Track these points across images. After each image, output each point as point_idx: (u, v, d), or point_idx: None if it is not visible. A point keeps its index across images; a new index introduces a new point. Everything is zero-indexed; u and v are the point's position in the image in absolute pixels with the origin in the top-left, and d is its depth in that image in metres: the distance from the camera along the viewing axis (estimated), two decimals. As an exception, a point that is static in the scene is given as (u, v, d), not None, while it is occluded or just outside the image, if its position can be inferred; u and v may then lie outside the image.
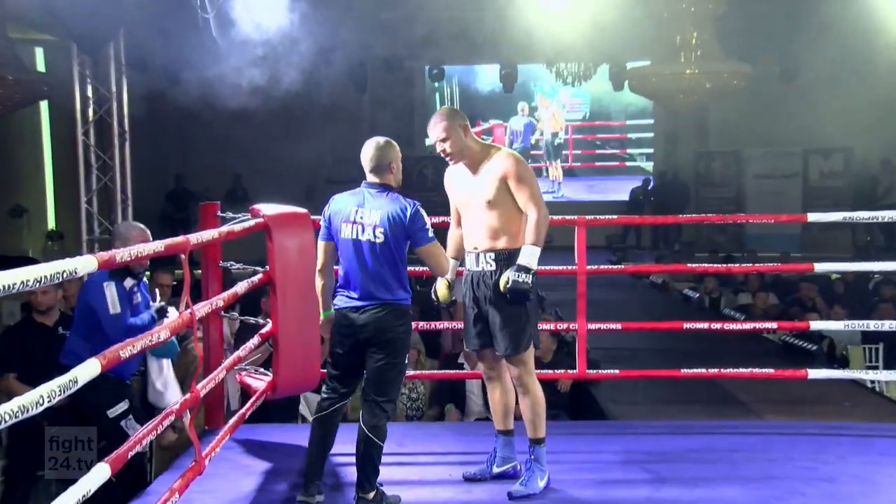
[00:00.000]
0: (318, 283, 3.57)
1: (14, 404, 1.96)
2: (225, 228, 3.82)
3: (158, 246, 3.06)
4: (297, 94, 8.43)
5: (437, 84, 17.20)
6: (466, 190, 3.75)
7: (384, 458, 3.45)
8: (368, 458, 3.40)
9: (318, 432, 3.50)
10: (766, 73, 13.28)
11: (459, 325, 5.53)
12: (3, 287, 1.91)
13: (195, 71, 9.35)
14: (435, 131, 3.67)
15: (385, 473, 3.49)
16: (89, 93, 6.91)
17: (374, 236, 3.41)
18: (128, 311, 3.96)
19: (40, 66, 12.09)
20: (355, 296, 3.42)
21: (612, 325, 4.84)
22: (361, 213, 3.44)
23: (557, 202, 17.06)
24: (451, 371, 5.73)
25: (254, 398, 4.42)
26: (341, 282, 3.49)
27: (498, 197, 3.62)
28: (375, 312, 3.40)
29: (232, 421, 4.12)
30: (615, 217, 5.14)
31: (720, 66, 11.29)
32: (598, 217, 4.80)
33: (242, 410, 4.28)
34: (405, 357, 3.50)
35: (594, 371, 4.97)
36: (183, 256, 3.27)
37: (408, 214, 3.42)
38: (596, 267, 4.95)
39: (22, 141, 13.42)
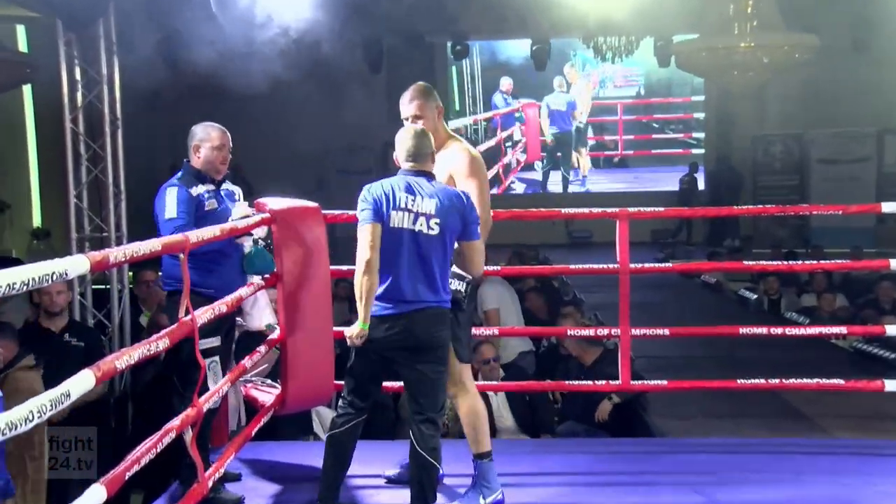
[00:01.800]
0: (365, 281, 3.33)
1: (2, 420, 1.99)
2: (227, 225, 3.84)
3: (155, 244, 3.09)
4: (304, 75, 8.48)
5: (460, 62, 17.17)
6: None
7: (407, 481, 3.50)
8: (429, 484, 3.39)
9: (333, 452, 3.51)
10: (835, 45, 13.03)
11: (489, 330, 5.54)
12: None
13: (192, 51, 9.42)
14: (409, 108, 3.77)
15: (403, 496, 3.51)
16: (77, 75, 6.97)
17: (429, 227, 3.38)
18: (186, 216, 3.86)
19: (22, 46, 12.25)
20: (400, 297, 3.36)
21: (660, 331, 4.83)
22: (413, 200, 3.39)
23: (596, 194, 17.01)
24: (479, 383, 5.74)
25: (261, 413, 4.46)
26: (382, 282, 3.39)
27: None
28: (425, 317, 3.38)
29: (237, 438, 4.16)
30: (662, 209, 5.10)
31: (780, 38, 11.14)
32: (642, 210, 4.77)
33: (249, 426, 4.32)
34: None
35: (639, 382, 4.96)
36: (182, 256, 3.30)
37: (465, 204, 3.45)
38: (640, 265, 4.93)
39: (3, 130, 13.61)
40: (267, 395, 4.70)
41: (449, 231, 3.41)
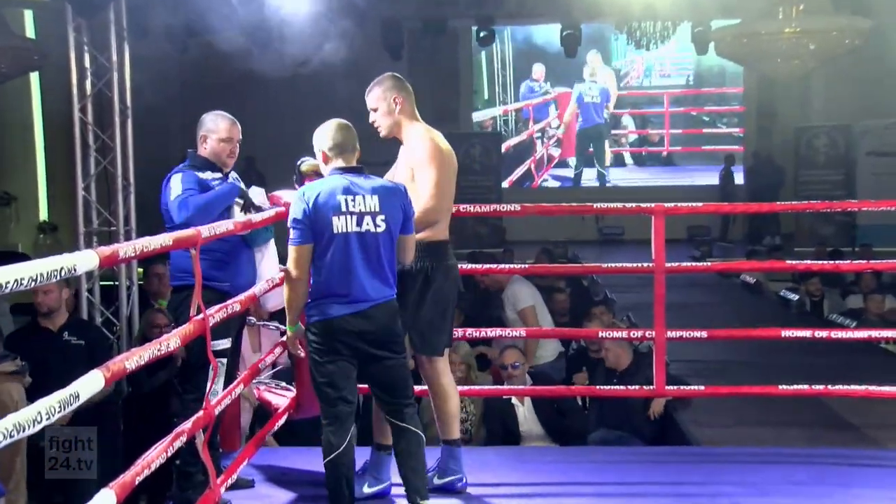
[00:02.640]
0: (293, 293, 3.52)
1: (9, 422, 2.01)
2: (241, 219, 3.85)
3: (166, 239, 3.11)
4: (319, 61, 8.48)
5: (483, 53, 17.08)
6: (392, 174, 3.96)
7: (431, 491, 3.50)
8: (423, 463, 3.57)
9: (337, 474, 3.48)
10: (886, 28, 12.79)
11: (516, 331, 5.53)
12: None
13: (205, 37, 9.47)
14: (368, 98, 3.89)
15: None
16: (86, 62, 7.03)
17: (375, 225, 3.48)
18: (194, 190, 3.89)
19: (30, 33, 12.36)
20: (354, 298, 3.46)
21: (696, 333, 4.79)
22: (353, 201, 3.47)
23: (627, 188, 16.89)
24: (505, 387, 5.74)
25: (274, 417, 4.48)
26: (328, 286, 3.46)
27: (411, 185, 3.77)
28: (381, 312, 3.50)
29: (249, 443, 4.17)
30: (700, 205, 5.06)
31: (828, 23, 10.96)
32: (678, 205, 4.74)
33: (262, 431, 4.34)
34: None
35: (675, 387, 4.91)
36: (193, 251, 3.31)
37: (404, 196, 3.58)
38: (677, 264, 4.90)
39: (10, 119, 13.73)
40: (281, 398, 4.72)
41: (394, 224, 3.53)
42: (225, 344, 3.84)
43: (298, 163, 4.25)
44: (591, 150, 17.29)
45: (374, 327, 3.48)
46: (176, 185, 3.89)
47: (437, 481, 3.90)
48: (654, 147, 17.79)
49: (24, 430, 2.07)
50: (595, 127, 17.13)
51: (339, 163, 3.57)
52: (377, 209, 3.48)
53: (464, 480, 3.93)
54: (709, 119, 17.67)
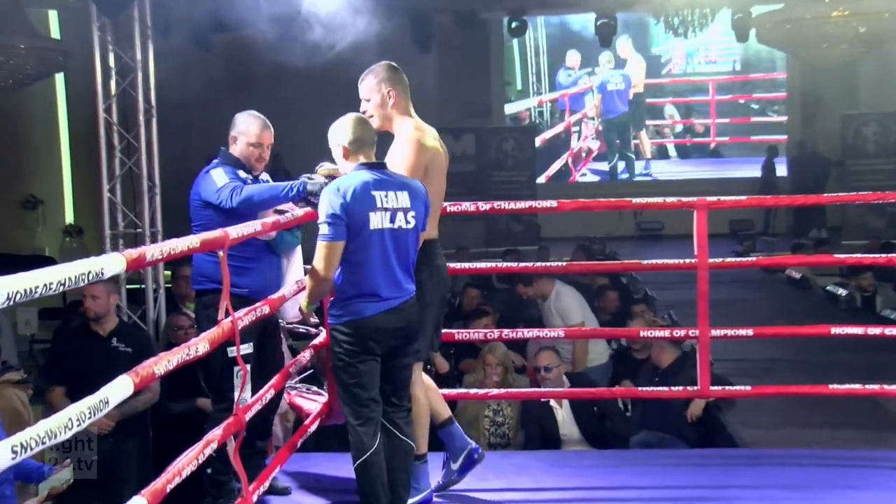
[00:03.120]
0: (317, 290, 3.50)
1: (41, 428, 2.03)
2: (269, 220, 3.86)
3: (193, 241, 3.11)
4: (347, 55, 8.47)
5: (515, 41, 16.95)
6: None
7: (466, 495, 3.47)
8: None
9: (371, 476, 3.46)
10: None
11: (555, 332, 5.50)
12: (21, 292, 1.96)
13: (230, 35, 9.53)
14: (360, 88, 3.87)
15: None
16: (111, 62, 7.11)
17: (406, 221, 3.49)
18: (238, 180, 3.91)
19: (55, 33, 12.52)
20: (388, 295, 3.46)
21: (742, 331, 4.74)
22: (386, 196, 3.47)
23: (666, 181, 16.76)
24: (542, 390, 5.71)
25: (306, 423, 4.49)
26: (361, 285, 3.44)
27: None
28: (408, 308, 3.52)
29: (282, 449, 4.19)
30: (744, 198, 4.99)
31: (879, 4, 10.78)
32: (722, 199, 4.68)
33: (294, 437, 4.35)
34: None
35: (720, 388, 4.87)
36: (221, 253, 3.32)
37: (423, 191, 3.58)
38: (721, 260, 4.84)
39: (35, 122, 13.93)
40: (312, 403, 4.73)
41: (420, 221, 3.55)
42: (246, 349, 3.79)
43: (317, 167, 4.16)
44: (618, 141, 17.11)
45: (404, 322, 3.51)
46: (220, 176, 3.89)
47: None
48: (700, 138, 17.48)
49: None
50: (621, 116, 16.96)
51: (361, 158, 3.55)
52: (408, 205, 3.49)
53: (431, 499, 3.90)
54: (759, 107, 17.26)
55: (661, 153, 17.65)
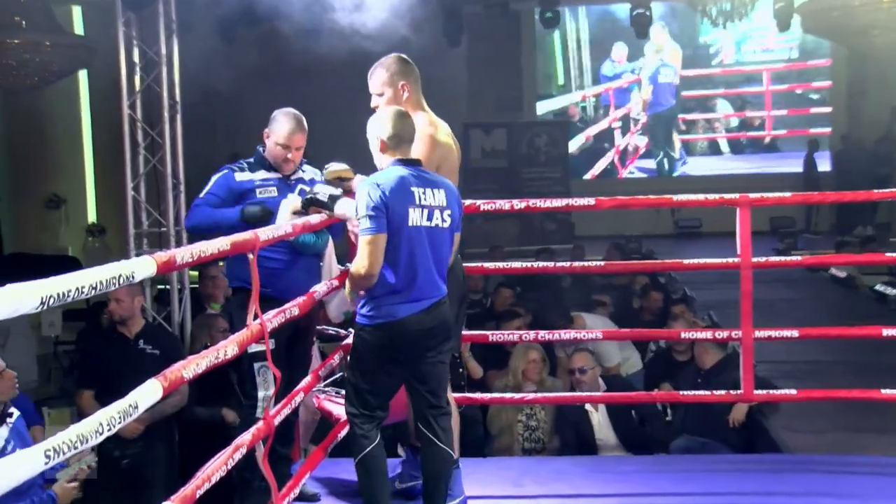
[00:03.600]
0: (360, 283, 3.44)
1: (72, 433, 2.05)
2: (299, 221, 3.88)
3: (224, 244, 3.13)
4: (374, 49, 8.49)
5: (551, 31, 16.79)
6: None
7: (503, 502, 3.47)
8: (450, 477, 3.56)
9: (371, 470, 3.49)
10: None
11: (591, 333, 5.48)
12: (54, 296, 1.98)
13: (255, 29, 9.57)
14: (371, 82, 3.86)
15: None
16: (136, 57, 7.17)
17: (443, 220, 3.50)
18: (214, 196, 3.98)
19: (78, 29, 12.64)
20: (420, 295, 3.46)
21: (787, 332, 4.69)
22: (424, 194, 3.47)
23: (702, 177, 16.58)
24: (580, 394, 5.69)
25: (336, 427, 4.50)
26: (394, 284, 3.43)
27: None
28: (441, 308, 3.52)
29: (312, 454, 4.20)
30: (789, 195, 4.95)
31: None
32: (765, 195, 4.64)
33: (324, 442, 4.36)
34: None
35: (764, 392, 4.83)
36: (251, 256, 3.34)
37: (456, 191, 3.60)
38: (765, 259, 4.80)
39: (58, 120, 14.07)
40: (342, 407, 4.74)
41: (455, 221, 3.57)
42: (261, 346, 3.71)
43: (324, 169, 4.16)
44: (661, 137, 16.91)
45: (436, 322, 3.50)
46: (208, 185, 4.00)
47: (398, 486, 3.93)
48: (755, 132, 17.07)
49: (87, 441, 2.12)
50: (670, 110, 16.77)
51: (398, 154, 3.55)
52: (444, 204, 3.50)
53: None
54: (819, 97, 16.82)
55: (713, 149, 17.29)
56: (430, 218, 3.46)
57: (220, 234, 3.68)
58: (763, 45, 16.89)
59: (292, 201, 4.06)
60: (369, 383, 3.51)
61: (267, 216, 3.94)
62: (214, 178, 4.04)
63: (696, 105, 17.28)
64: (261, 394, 3.91)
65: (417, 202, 3.44)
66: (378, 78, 3.86)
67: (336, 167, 4.00)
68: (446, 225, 3.52)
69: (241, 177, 4.06)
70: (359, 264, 3.41)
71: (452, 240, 3.60)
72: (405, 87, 3.81)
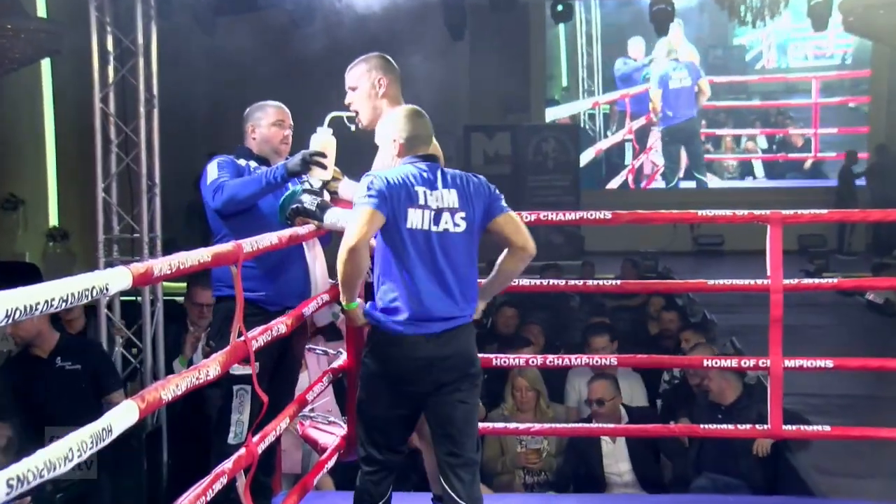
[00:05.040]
0: (349, 263, 3.31)
1: (38, 460, 2.04)
2: (286, 232, 3.87)
3: (204, 255, 3.12)
4: (370, 42, 8.51)
5: (561, 26, 16.63)
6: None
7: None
8: None
9: None
10: None
11: (606, 359, 5.48)
12: (21, 309, 1.97)
13: (240, 18, 9.56)
14: (348, 76, 3.92)
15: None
16: (109, 45, 7.15)
17: (455, 224, 3.41)
18: (230, 175, 4.03)
19: (41, 11, 12.62)
20: (426, 314, 3.35)
21: (820, 362, 4.68)
22: (432, 194, 3.41)
23: (722, 189, 16.48)
24: (588, 425, 5.68)
25: (323, 458, 4.49)
26: (393, 297, 3.37)
27: None
28: (459, 334, 3.40)
29: (295, 487, 4.19)
30: (825, 212, 4.96)
31: None
32: (799, 212, 4.65)
33: (309, 473, 4.35)
34: None
35: (794, 427, 4.82)
36: (234, 269, 3.33)
37: (484, 184, 3.50)
38: (797, 281, 4.80)
39: (17, 112, 14.03)
40: (329, 435, 4.73)
41: (476, 223, 3.46)
42: (246, 370, 3.70)
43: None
44: (686, 157, 16.13)
45: (449, 352, 3.37)
46: (212, 170, 4.01)
47: None
48: (797, 153, 16.17)
49: (55, 469, 2.11)
50: (688, 123, 15.90)
51: (417, 151, 3.55)
52: (456, 205, 3.43)
53: None
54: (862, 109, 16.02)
55: (745, 170, 16.56)
56: (436, 221, 3.39)
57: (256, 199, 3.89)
58: (819, 50, 16.06)
59: (324, 133, 4.02)
60: (375, 419, 3.47)
61: (311, 162, 3.92)
62: (214, 163, 4.05)
63: (726, 118, 16.48)
64: (234, 417, 3.92)
65: (421, 203, 3.38)
66: (356, 71, 3.94)
67: (320, 139, 3.99)
68: (460, 229, 3.42)
69: (240, 162, 4.12)
70: (344, 239, 3.33)
71: (473, 247, 3.49)
72: (382, 81, 3.89)
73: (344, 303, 3.48)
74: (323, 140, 3.99)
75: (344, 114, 4.05)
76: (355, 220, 3.34)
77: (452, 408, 3.40)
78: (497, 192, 3.55)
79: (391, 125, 3.59)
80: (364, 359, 3.51)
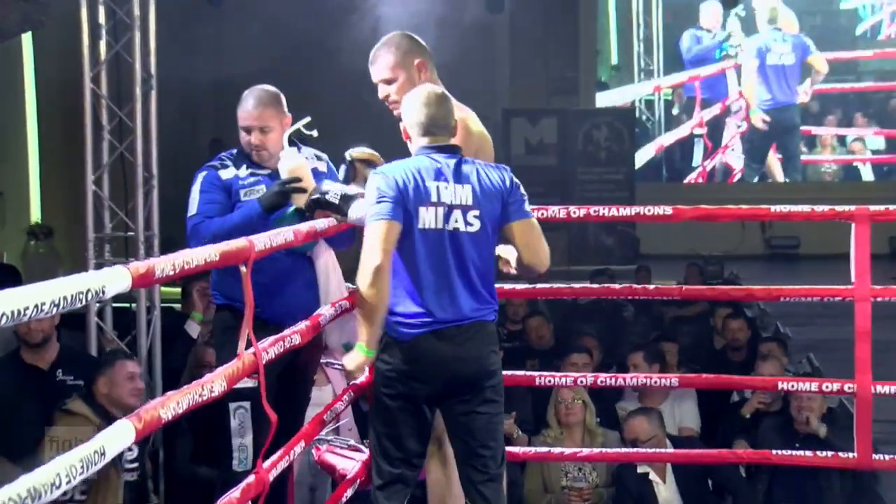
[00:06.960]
0: (373, 294, 3.43)
1: (22, 486, 2.07)
2: (303, 227, 3.90)
3: (212, 253, 3.15)
4: (394, 16, 8.54)
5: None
6: None
7: None
8: None
9: None
10: None
11: (666, 378, 5.49)
12: (7, 314, 2.00)
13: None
14: (377, 67, 3.88)
15: None
16: (101, 18, 7.19)
17: (466, 223, 3.50)
18: (208, 206, 4.12)
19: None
20: (443, 316, 3.48)
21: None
22: (445, 189, 3.50)
23: (795, 184, 16.36)
24: (642, 450, 5.67)
25: (341, 486, 4.50)
26: (403, 298, 3.50)
27: None
28: (477, 338, 3.51)
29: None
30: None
31: None
32: (892, 208, 4.62)
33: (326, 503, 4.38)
34: None
35: (885, 458, 4.79)
36: (244, 269, 3.36)
37: (506, 181, 3.57)
38: (883, 287, 4.77)
39: (-6, 94, 14.15)
40: (348, 461, 4.75)
41: (491, 222, 3.55)
42: (245, 382, 3.74)
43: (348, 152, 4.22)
44: (779, 154, 15.64)
45: (464, 354, 3.50)
46: (193, 195, 4.10)
47: None
48: None
49: (39, 498, 2.13)
50: (786, 112, 15.30)
51: (427, 141, 3.61)
52: (469, 202, 3.52)
53: None
54: None
55: (849, 173, 15.72)
56: (446, 220, 3.49)
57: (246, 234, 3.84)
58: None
59: (291, 156, 4.09)
60: (385, 423, 3.57)
61: (290, 193, 3.99)
62: (197, 180, 4.14)
63: (824, 106, 15.25)
64: (235, 442, 3.94)
65: (433, 200, 3.48)
66: (384, 61, 3.90)
67: (363, 149, 4.04)
68: (473, 229, 3.53)
69: (225, 174, 4.13)
70: (364, 259, 3.43)
71: (490, 248, 3.61)
72: (422, 65, 3.87)
73: (362, 340, 3.52)
74: (291, 164, 4.06)
75: (300, 124, 4.08)
76: (371, 237, 3.45)
77: (471, 418, 3.53)
78: (521, 191, 3.63)
79: (407, 107, 3.66)
80: (377, 362, 3.59)
